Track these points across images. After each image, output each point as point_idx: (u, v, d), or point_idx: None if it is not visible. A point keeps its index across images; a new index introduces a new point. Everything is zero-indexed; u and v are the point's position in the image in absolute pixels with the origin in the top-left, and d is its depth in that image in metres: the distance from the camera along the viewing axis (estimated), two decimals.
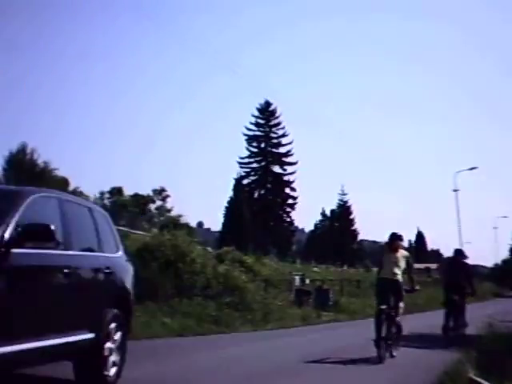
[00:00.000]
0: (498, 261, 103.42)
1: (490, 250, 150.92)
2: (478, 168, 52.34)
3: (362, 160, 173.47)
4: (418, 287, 13.13)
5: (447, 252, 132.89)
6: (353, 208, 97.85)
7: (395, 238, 12.10)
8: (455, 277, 15.24)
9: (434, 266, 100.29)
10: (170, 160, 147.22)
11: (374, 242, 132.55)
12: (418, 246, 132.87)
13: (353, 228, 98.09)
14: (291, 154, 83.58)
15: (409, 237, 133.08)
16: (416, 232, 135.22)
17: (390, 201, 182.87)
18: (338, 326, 21.74)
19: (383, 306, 11.46)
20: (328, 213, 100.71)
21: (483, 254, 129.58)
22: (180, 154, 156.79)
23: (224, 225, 69.37)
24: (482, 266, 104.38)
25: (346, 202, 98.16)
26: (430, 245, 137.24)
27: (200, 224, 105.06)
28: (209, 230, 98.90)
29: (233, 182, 72.39)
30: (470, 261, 18.44)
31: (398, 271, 11.79)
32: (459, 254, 16.33)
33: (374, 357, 11.13)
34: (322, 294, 27.08)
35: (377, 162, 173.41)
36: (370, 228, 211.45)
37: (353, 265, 76.41)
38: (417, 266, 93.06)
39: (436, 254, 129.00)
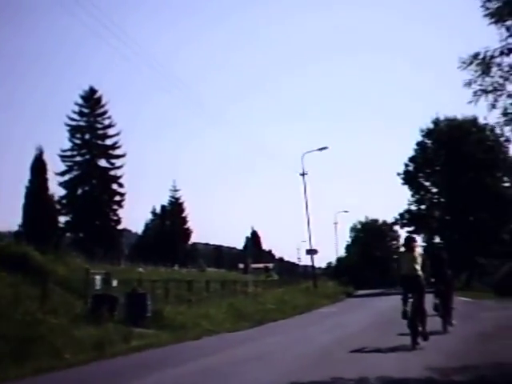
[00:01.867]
0: (338, 258, 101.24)
1: (329, 248, 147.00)
2: (329, 148, 46.44)
3: (196, 156, 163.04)
4: (432, 280, 15.11)
5: (280, 253, 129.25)
6: (186, 205, 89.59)
7: (411, 239, 14.51)
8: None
9: (271, 265, 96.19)
10: None
11: (207, 244, 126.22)
12: (252, 246, 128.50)
13: (185, 227, 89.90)
14: (118, 147, 74.07)
15: (243, 236, 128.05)
16: (251, 231, 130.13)
17: (226, 199, 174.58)
18: (154, 360, 12.83)
19: (411, 299, 13.13)
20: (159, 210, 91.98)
21: (322, 253, 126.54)
22: None
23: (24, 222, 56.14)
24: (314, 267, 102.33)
25: (178, 198, 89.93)
26: (264, 245, 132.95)
27: None
28: None
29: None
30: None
31: (417, 267, 13.33)
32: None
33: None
34: (135, 301, 17.89)
35: (212, 155, 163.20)
36: (203, 230, 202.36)
37: (185, 265, 68.32)
38: (255, 265, 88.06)
39: (269, 255, 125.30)
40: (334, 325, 20.55)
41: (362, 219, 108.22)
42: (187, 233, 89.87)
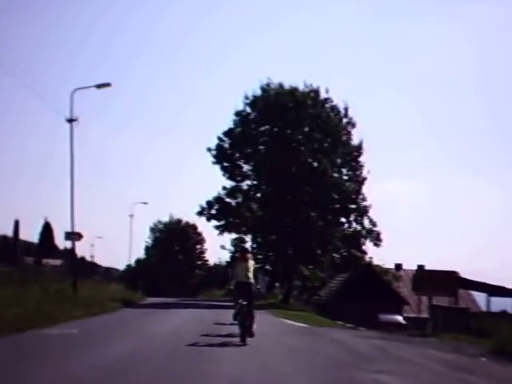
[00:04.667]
0: (133, 259, 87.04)
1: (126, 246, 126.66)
2: (111, 86, 30.98)
3: None
4: (259, 286, 21.70)
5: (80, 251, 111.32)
6: None
7: (245, 250, 17.14)
8: None
9: (58, 261, 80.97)
10: None
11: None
12: (42, 241, 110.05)
13: None
14: None
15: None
16: (43, 223, 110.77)
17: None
18: None
19: (244, 302, 14.50)
20: None
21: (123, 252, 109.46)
22: None
23: None
24: (116, 269, 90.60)
25: None
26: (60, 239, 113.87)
27: None
28: None
29: None
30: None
31: (250, 275, 15.07)
32: None
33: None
34: None
35: None
36: None
37: None
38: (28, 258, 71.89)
39: (70, 252, 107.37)
40: None
41: (165, 218, 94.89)
42: None
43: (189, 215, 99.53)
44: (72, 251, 32.92)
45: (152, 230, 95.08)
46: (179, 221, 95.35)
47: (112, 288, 44.95)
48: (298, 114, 45.16)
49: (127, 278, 73.74)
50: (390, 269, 58.20)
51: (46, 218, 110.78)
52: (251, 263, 15.28)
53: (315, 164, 44.78)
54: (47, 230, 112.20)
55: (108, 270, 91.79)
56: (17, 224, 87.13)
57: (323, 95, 47.22)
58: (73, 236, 30.70)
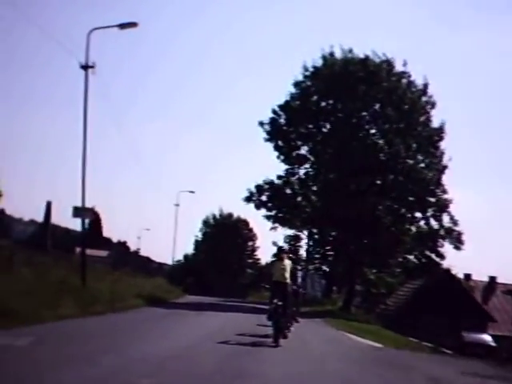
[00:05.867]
0: (180, 254, 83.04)
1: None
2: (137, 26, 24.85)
3: None
4: (295, 287, 17.91)
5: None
6: None
7: (282, 250, 16.45)
8: None
9: (104, 252, 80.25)
10: None
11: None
12: (92, 231, 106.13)
13: None
14: None
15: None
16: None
17: None
18: None
19: (279, 302, 14.27)
20: None
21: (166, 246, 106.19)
22: None
23: None
24: (165, 264, 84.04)
25: None
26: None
27: None
28: None
29: None
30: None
31: (286, 275, 15.03)
32: None
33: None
34: None
35: None
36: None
37: None
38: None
39: (123, 246, 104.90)
40: None
41: (216, 211, 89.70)
42: None
43: (240, 209, 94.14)
44: (84, 236, 26.81)
45: (205, 223, 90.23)
46: (230, 215, 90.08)
47: (147, 282, 39.13)
48: (370, 87, 38.01)
49: (172, 273, 69.46)
50: (460, 279, 51.82)
51: (94, 206, 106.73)
52: (287, 263, 15.27)
53: (386, 147, 37.78)
54: (95, 219, 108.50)
55: (161, 265, 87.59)
56: (49, 206, 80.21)
57: (399, 69, 40.15)
58: (83, 212, 24.45)
